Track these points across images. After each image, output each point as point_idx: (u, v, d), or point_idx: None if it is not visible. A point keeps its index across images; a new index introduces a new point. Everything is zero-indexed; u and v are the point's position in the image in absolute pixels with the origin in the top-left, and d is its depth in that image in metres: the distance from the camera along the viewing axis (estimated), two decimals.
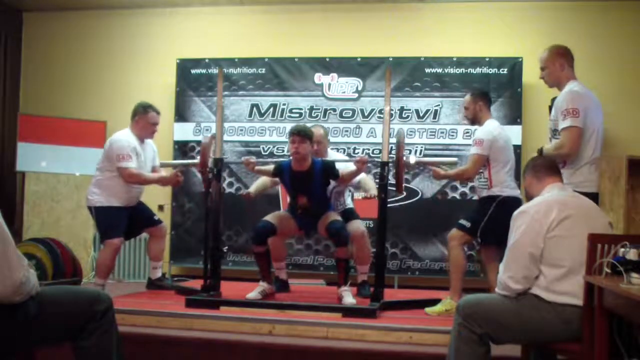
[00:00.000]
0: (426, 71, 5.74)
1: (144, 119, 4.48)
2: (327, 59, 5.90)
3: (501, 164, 3.91)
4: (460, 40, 5.83)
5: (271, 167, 4.26)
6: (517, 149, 5.39)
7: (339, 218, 4.16)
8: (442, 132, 5.64)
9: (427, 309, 3.91)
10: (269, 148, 5.91)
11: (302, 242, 5.77)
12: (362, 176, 4.29)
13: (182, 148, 6.01)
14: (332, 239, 4.15)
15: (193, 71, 6.07)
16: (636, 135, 5.39)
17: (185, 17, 6.31)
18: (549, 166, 2.83)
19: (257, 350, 3.32)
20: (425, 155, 5.56)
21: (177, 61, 6.09)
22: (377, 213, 4.01)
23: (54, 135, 5.91)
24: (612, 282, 2.20)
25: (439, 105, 5.70)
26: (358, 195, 5.24)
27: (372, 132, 5.71)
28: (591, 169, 3.38)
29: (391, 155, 4.00)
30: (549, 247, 2.52)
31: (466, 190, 5.57)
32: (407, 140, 5.15)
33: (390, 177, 4.01)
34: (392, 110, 4.26)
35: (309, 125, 4.43)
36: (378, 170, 4.12)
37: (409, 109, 5.70)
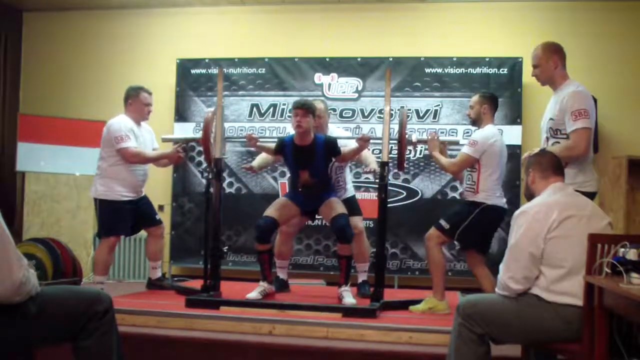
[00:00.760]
0: (426, 71, 5.73)
1: (137, 101, 4.52)
2: (327, 59, 5.90)
3: (491, 170, 3.90)
4: (460, 40, 5.82)
5: (273, 145, 4.20)
6: (517, 149, 5.41)
7: (345, 211, 4.08)
8: (442, 132, 5.63)
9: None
10: None
11: (302, 242, 5.77)
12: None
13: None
14: (336, 234, 4.13)
15: (193, 71, 6.07)
16: (636, 135, 5.39)
17: (185, 17, 6.31)
18: (557, 165, 2.79)
19: (257, 350, 3.32)
20: (425, 155, 5.56)
21: (177, 61, 6.10)
22: (377, 213, 4.01)
23: (54, 135, 5.90)
24: (612, 282, 2.20)
25: (439, 105, 5.70)
26: (358, 169, 5.25)
27: (372, 132, 5.70)
28: (593, 168, 3.37)
29: (392, 156, 4.01)
30: (549, 247, 2.52)
31: None
32: None
33: (390, 176, 4.02)
34: (392, 110, 4.26)
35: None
36: (379, 148, 4.09)
37: (409, 109, 5.69)
